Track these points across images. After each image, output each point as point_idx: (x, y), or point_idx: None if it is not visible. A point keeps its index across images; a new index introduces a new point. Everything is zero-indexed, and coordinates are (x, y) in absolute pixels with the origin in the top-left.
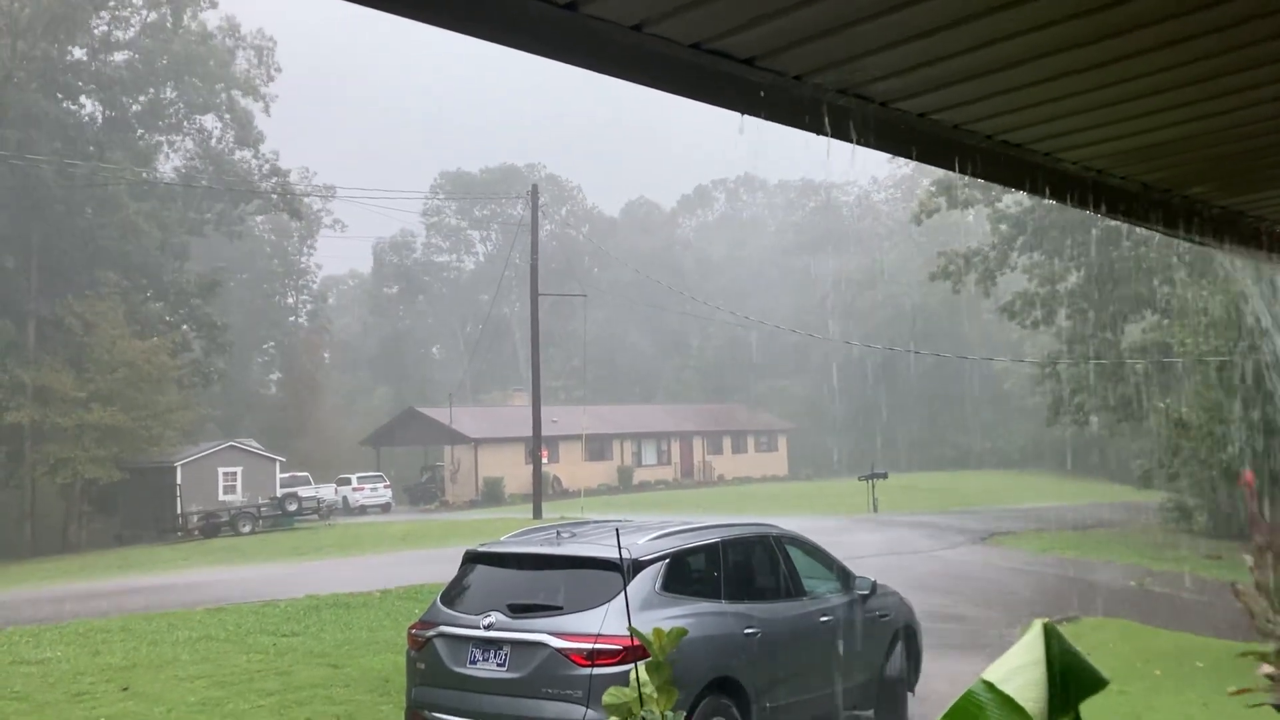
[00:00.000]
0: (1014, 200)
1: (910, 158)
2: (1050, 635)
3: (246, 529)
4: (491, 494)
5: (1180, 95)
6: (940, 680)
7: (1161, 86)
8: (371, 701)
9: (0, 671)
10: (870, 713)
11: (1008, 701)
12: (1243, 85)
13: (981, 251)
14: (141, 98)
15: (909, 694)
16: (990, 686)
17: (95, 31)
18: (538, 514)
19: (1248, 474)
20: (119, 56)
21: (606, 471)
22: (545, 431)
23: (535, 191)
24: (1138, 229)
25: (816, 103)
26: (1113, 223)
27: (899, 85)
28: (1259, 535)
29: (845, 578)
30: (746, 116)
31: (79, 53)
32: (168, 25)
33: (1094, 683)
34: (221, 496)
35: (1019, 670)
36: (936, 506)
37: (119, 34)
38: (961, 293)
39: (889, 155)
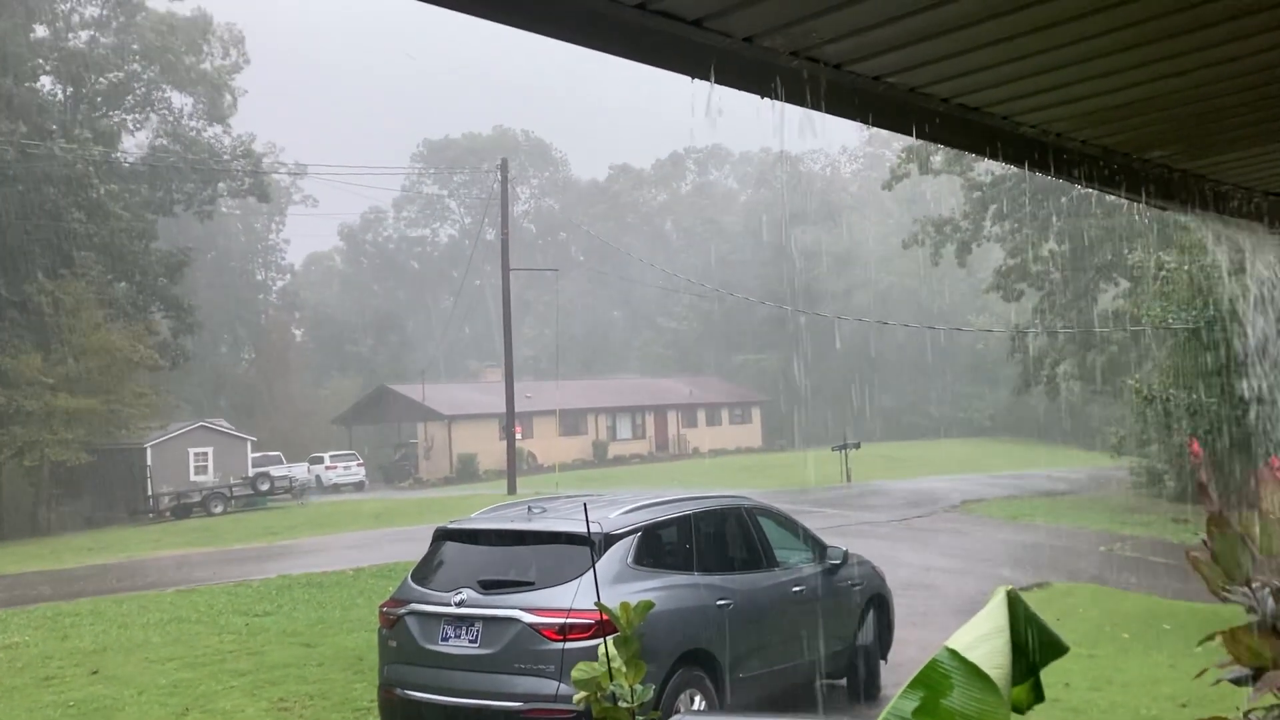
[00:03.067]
0: (986, 169)
1: (866, 122)
2: (1014, 603)
3: (218, 509)
4: (466, 471)
5: (1138, 55)
6: (912, 648)
7: (1119, 46)
8: (345, 680)
9: None
10: (843, 681)
11: (972, 668)
12: (1201, 44)
13: (954, 221)
14: (108, 76)
15: (881, 662)
16: (955, 654)
17: (58, 9)
18: (512, 490)
19: (1194, 445)
20: (84, 34)
21: (581, 446)
22: (519, 407)
23: (505, 165)
24: (1107, 196)
25: (768, 66)
26: (1084, 190)
27: (852, 47)
28: (1209, 505)
29: (817, 548)
30: (698, 81)
31: (41, 31)
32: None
33: (1055, 648)
34: (193, 477)
35: (983, 638)
36: (908, 475)
37: (82, 11)
38: (939, 264)
39: (856, 124)
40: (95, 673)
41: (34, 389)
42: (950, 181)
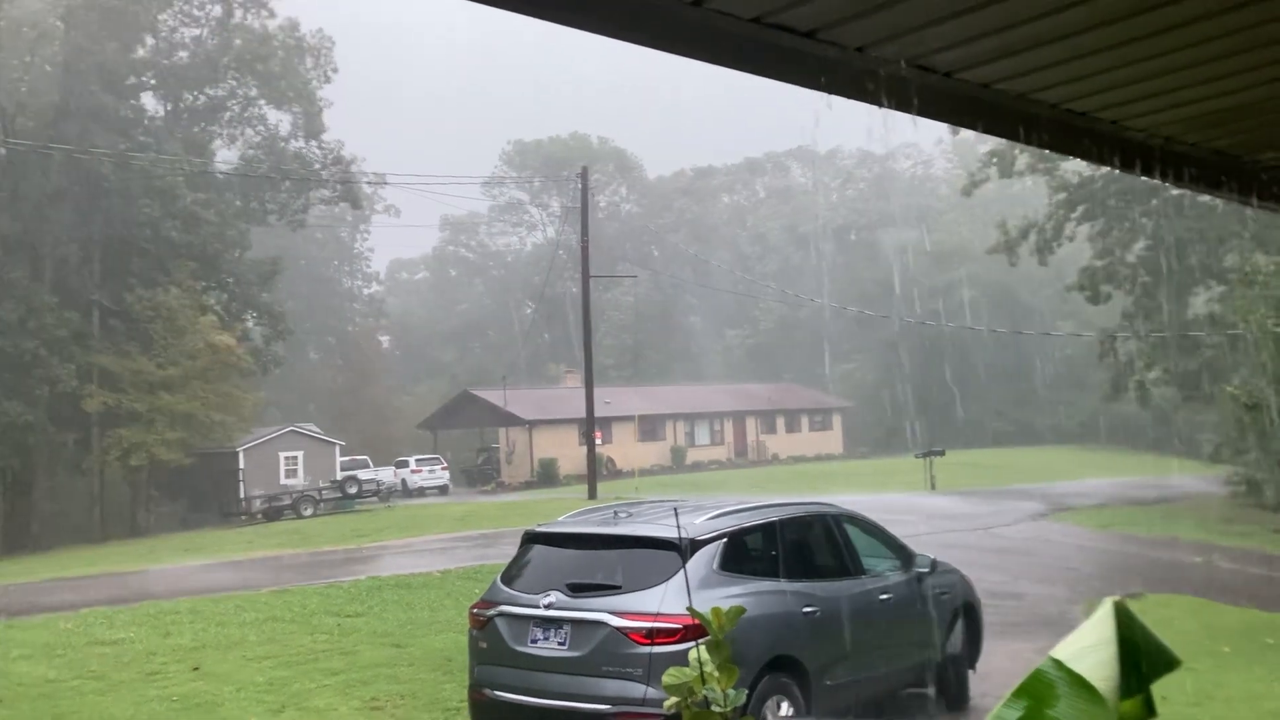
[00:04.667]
0: (1071, 168)
1: (974, 129)
2: (1121, 614)
3: (308, 512)
4: (546, 475)
5: (1252, 58)
6: (1001, 658)
7: (1232, 50)
8: (434, 680)
9: (77, 652)
10: (931, 690)
11: (1078, 680)
12: None
13: (1038, 223)
14: (205, 92)
15: (970, 671)
16: (1060, 665)
17: (160, 28)
18: (593, 495)
19: None
20: (183, 53)
21: (659, 452)
22: (598, 412)
23: (585, 173)
24: (1201, 197)
25: (879, 75)
26: (1175, 191)
27: (963, 55)
28: None
29: (904, 556)
30: (783, 85)
31: (141, 50)
32: (232, 23)
33: (1167, 662)
34: (283, 480)
35: (1089, 649)
36: (995, 483)
37: (184, 31)
38: (1019, 266)
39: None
40: (196, 669)
41: (139, 392)
42: (1037, 183)
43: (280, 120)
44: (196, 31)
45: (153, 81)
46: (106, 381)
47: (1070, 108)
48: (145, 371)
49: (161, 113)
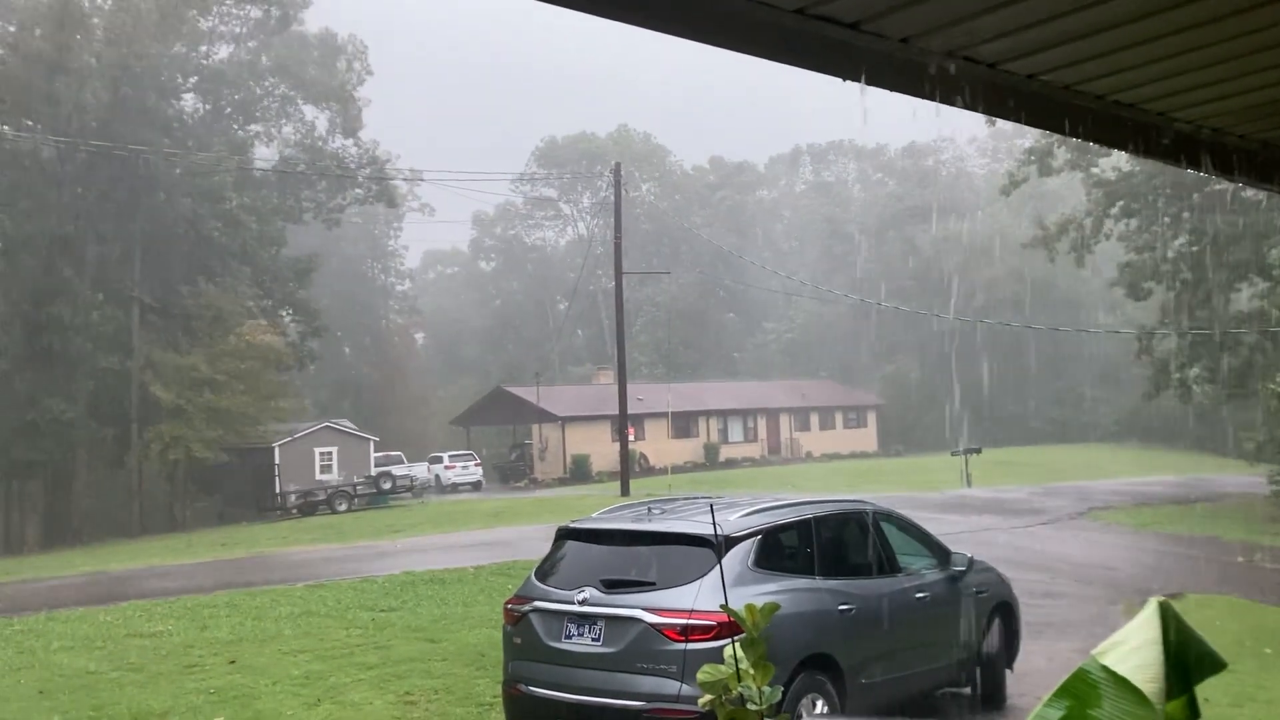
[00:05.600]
0: (1110, 164)
1: (1019, 121)
2: (1166, 614)
3: (343, 507)
4: (579, 472)
5: None
6: (1039, 657)
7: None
8: (468, 675)
9: (117, 644)
10: (967, 690)
11: (1122, 681)
12: None
13: (1076, 219)
14: (244, 92)
15: (1007, 671)
16: (1103, 665)
17: (201, 29)
18: (625, 491)
19: None
20: (223, 52)
21: (693, 449)
22: (631, 409)
23: (618, 169)
24: (1244, 191)
25: (923, 66)
26: (1217, 185)
27: (1008, 46)
28: None
29: (941, 554)
30: (848, 82)
31: (181, 48)
32: (271, 23)
33: (1213, 664)
34: (318, 476)
35: (1134, 650)
36: (1032, 481)
37: (224, 29)
38: (1057, 261)
39: (981, 120)
40: (233, 662)
41: (179, 388)
42: (1074, 179)
43: (318, 118)
44: (237, 29)
45: (194, 81)
46: (156, 377)
47: (1117, 99)
48: (187, 368)
49: (201, 112)
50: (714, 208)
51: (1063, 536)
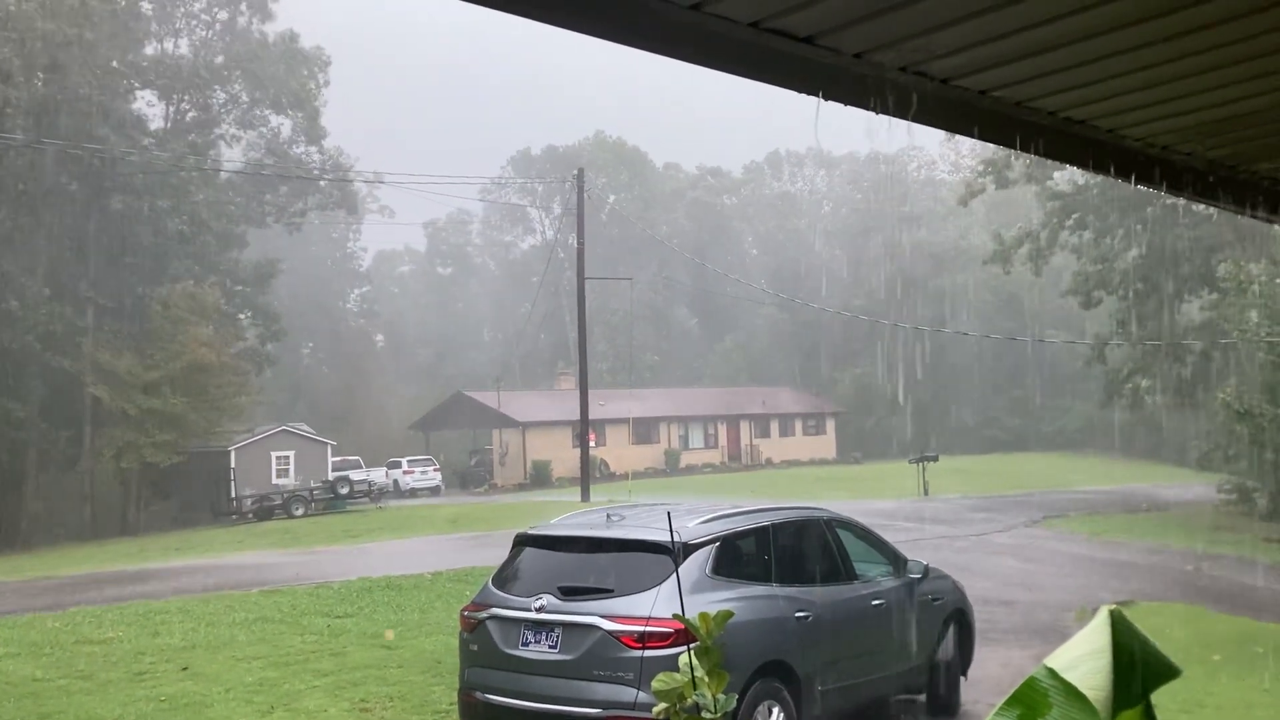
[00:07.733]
0: (1064, 177)
1: (971, 136)
2: (1118, 622)
3: (299, 512)
4: (539, 477)
5: (1247, 69)
6: (993, 664)
7: (1230, 60)
8: (424, 682)
9: (65, 651)
10: (922, 696)
11: (1071, 689)
12: None
13: (1033, 231)
14: (207, 95)
15: (961, 678)
16: (1053, 673)
17: (162, 31)
18: (586, 497)
19: None
20: (182, 55)
21: (653, 455)
22: (592, 415)
23: (581, 175)
24: (1195, 206)
25: (876, 81)
26: (1169, 200)
27: (960, 62)
28: None
29: (897, 561)
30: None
31: (143, 50)
32: (236, 28)
33: (1166, 671)
34: (275, 480)
35: (1084, 658)
36: (988, 489)
37: (188, 35)
38: (1012, 273)
39: (946, 134)
40: (185, 669)
41: (130, 392)
42: (1028, 191)
43: (281, 124)
44: (203, 33)
45: (153, 80)
46: (100, 380)
47: (1067, 115)
48: (135, 372)
49: (162, 113)
50: (683, 214)
51: (1017, 544)
